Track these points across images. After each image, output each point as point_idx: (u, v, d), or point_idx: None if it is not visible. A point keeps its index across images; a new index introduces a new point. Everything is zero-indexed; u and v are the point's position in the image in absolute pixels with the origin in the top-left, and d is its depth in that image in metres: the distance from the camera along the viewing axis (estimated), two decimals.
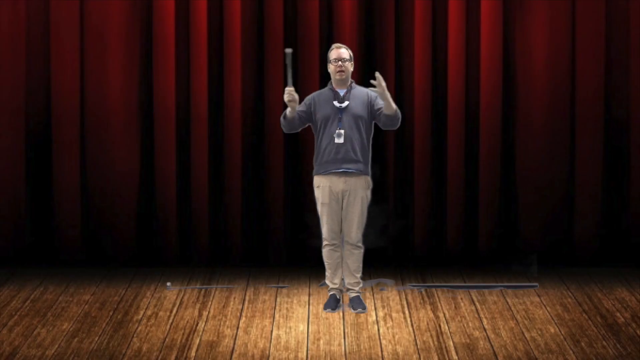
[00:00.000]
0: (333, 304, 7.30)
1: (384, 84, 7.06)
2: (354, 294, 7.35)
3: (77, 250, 8.61)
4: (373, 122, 7.29)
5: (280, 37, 8.49)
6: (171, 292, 7.76)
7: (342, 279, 7.40)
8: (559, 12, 8.50)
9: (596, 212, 8.60)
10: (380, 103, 7.22)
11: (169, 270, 8.41)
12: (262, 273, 8.37)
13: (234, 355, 6.30)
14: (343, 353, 6.35)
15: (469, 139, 8.61)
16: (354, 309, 7.24)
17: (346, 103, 7.21)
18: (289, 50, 7.24)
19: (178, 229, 8.63)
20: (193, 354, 6.33)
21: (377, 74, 7.07)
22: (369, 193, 7.30)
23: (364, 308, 7.26)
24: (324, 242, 7.34)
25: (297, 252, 8.69)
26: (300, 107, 7.28)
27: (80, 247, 8.61)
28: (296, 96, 7.15)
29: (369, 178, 7.29)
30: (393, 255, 8.68)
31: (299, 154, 8.55)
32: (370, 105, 7.22)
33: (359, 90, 7.29)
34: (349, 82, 7.28)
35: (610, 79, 8.56)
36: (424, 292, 7.76)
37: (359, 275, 7.36)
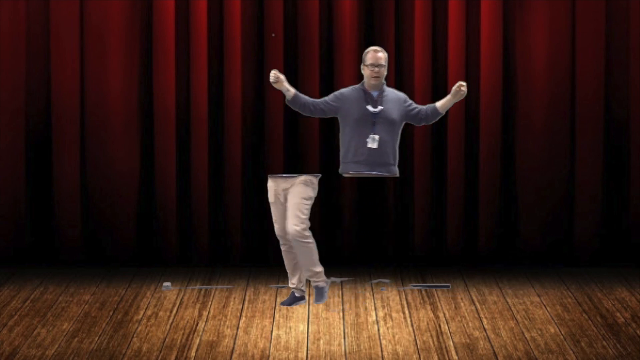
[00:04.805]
0: (289, 300, 7.31)
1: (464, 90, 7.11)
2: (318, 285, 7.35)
3: (77, 250, 8.61)
4: (403, 123, 7.26)
5: (280, 37, 8.49)
6: (171, 292, 7.76)
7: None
8: (559, 12, 8.50)
9: (596, 212, 8.60)
10: (414, 105, 7.20)
11: (169, 270, 8.41)
12: (262, 273, 8.37)
13: (234, 355, 6.30)
14: (343, 353, 6.35)
15: (469, 139, 8.61)
16: (315, 301, 7.26)
17: (380, 108, 7.17)
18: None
19: (178, 229, 8.63)
20: (193, 354, 6.33)
21: (464, 85, 7.08)
22: (309, 189, 7.21)
23: (322, 298, 7.24)
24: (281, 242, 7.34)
25: None
26: (325, 98, 7.18)
27: (80, 247, 8.62)
28: (281, 76, 6.97)
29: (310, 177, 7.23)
30: (393, 255, 8.68)
31: (299, 154, 8.55)
32: (404, 108, 7.19)
33: (391, 93, 7.22)
34: (382, 85, 7.26)
35: (610, 79, 8.56)
36: (423, 292, 7.76)
37: (314, 268, 7.25)
